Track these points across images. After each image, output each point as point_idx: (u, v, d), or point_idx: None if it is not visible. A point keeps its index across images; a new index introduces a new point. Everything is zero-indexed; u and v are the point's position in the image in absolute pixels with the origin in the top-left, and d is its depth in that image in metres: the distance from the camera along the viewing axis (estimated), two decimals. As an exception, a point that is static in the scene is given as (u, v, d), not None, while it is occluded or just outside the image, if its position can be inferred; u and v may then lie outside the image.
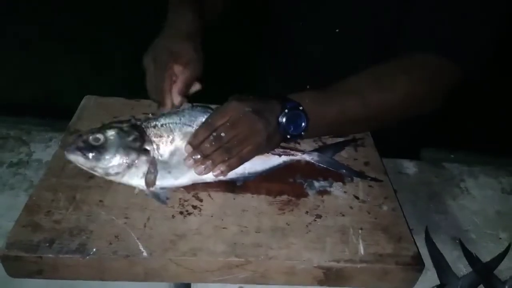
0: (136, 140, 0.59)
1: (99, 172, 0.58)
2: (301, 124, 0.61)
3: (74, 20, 2.44)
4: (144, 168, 0.59)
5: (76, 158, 0.58)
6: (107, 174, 0.58)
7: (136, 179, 0.59)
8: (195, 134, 0.60)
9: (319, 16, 0.79)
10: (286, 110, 0.60)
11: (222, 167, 0.58)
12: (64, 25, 2.40)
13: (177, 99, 0.66)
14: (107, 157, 0.57)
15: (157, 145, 0.60)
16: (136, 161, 0.58)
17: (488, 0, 0.64)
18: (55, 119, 0.82)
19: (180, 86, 0.66)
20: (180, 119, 0.61)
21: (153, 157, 0.59)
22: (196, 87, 0.69)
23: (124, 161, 0.58)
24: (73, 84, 1.96)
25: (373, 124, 0.71)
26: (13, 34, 2.30)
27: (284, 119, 0.60)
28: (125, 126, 0.61)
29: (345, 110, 0.64)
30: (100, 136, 0.58)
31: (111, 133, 0.59)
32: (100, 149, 0.57)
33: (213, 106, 0.66)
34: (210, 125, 0.58)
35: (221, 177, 0.61)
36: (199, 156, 0.58)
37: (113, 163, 0.57)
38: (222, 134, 0.57)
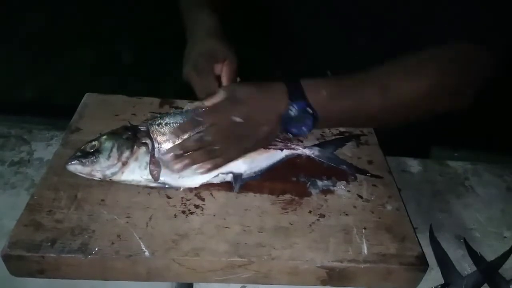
0: (129, 138, 0.60)
1: (97, 176, 0.58)
2: (305, 127, 0.58)
3: (74, 18, 2.44)
4: (145, 158, 0.59)
5: (75, 167, 0.58)
6: (105, 175, 0.58)
7: (138, 171, 0.59)
8: (177, 129, 0.58)
9: (328, 10, 0.75)
10: (292, 110, 0.56)
11: (208, 165, 0.58)
12: (65, 24, 2.39)
13: None
14: (101, 158, 0.58)
15: (159, 143, 0.60)
16: (133, 156, 0.59)
17: None
18: (56, 118, 0.82)
19: (227, 84, 0.66)
20: (184, 120, 0.61)
21: (152, 149, 0.59)
22: (237, 80, 0.69)
23: (119, 158, 0.58)
24: (74, 82, 1.95)
25: (392, 119, 0.64)
26: (13, 33, 2.30)
27: (287, 118, 0.57)
28: (119, 129, 0.62)
29: (363, 103, 0.59)
30: (95, 143, 0.59)
31: (104, 137, 0.60)
32: (95, 153, 0.58)
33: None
34: (196, 123, 0.57)
35: (228, 178, 0.61)
36: (180, 152, 0.57)
37: (109, 162, 0.58)
38: (207, 138, 0.56)
